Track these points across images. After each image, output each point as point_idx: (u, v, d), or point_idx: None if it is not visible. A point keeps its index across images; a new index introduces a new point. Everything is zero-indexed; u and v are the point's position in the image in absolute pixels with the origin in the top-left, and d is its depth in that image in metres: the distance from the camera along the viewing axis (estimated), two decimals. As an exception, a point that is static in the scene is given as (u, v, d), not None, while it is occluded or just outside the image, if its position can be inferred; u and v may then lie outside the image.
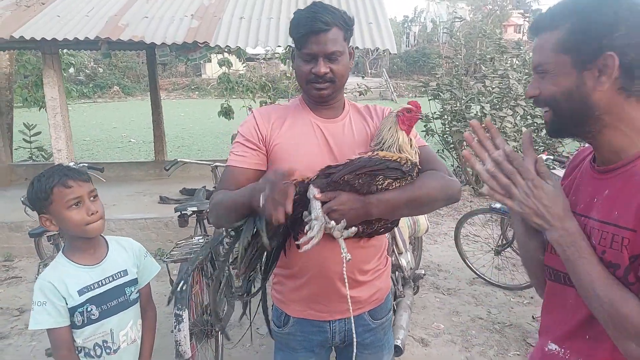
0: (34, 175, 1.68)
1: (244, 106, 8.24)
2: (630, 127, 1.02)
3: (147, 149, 12.13)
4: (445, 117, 7.60)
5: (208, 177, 6.10)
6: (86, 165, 3.23)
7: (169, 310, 2.53)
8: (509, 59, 7.57)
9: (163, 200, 5.64)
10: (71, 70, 20.94)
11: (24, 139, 8.68)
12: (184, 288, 2.42)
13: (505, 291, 4.15)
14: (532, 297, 4.01)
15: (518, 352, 3.24)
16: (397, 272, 3.25)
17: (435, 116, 7.53)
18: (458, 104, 7.52)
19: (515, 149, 6.98)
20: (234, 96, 8.81)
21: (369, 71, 35.76)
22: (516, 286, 4.14)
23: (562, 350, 1.13)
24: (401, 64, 35.20)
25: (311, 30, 1.48)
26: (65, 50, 8.67)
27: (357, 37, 4.55)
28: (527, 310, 3.83)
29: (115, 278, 1.71)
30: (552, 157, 4.00)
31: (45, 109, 4.84)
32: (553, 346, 1.17)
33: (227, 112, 8.20)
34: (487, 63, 7.53)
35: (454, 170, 7.99)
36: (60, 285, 1.58)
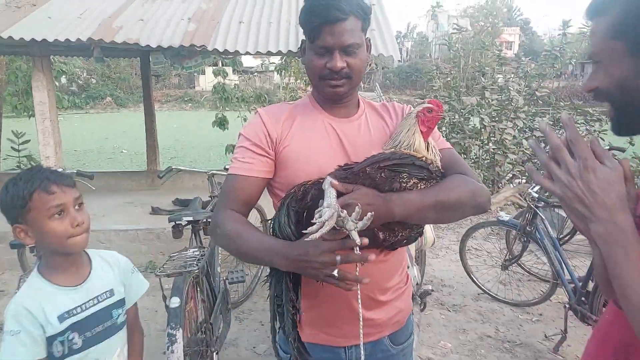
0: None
1: (239, 116, 8.12)
2: None
3: (139, 159, 11.92)
4: (444, 129, 7.51)
5: (202, 187, 5.96)
6: (74, 172, 3.03)
7: (161, 327, 2.33)
8: (509, 72, 7.53)
9: (155, 211, 5.43)
10: (63, 79, 20.74)
11: (12, 147, 8.44)
12: (178, 305, 2.23)
13: (512, 307, 3.97)
14: (540, 314, 3.84)
15: (531, 374, 3.06)
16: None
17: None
18: (457, 116, 7.44)
19: (515, 162, 6.99)
20: (227, 108, 8.67)
21: (362, 85, 35.88)
22: (524, 302, 3.97)
23: None
24: (394, 78, 35.46)
25: (326, 20, 1.31)
26: (57, 57, 8.51)
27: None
28: (537, 327, 3.65)
29: (100, 300, 1.47)
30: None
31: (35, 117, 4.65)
32: None
33: (221, 123, 8.06)
34: (486, 75, 7.47)
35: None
36: (37, 310, 1.33)
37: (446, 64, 8.75)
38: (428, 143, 1.34)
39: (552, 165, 0.87)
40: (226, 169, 3.35)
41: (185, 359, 2.22)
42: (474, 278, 4.26)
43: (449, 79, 7.92)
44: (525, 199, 3.70)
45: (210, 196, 3.46)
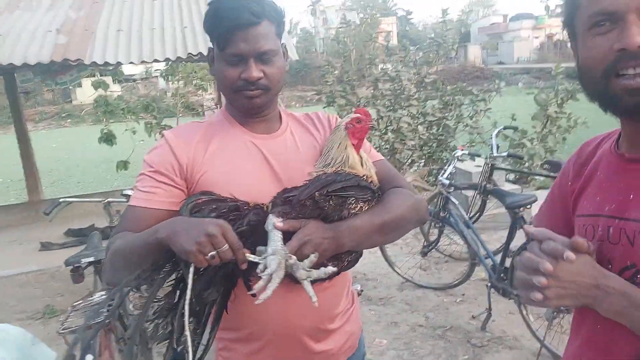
0: None
1: (127, 129, 7.51)
2: None
3: (17, 187, 10.69)
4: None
5: (96, 213, 5.37)
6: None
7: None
8: (396, 61, 7.75)
9: (45, 246, 4.81)
10: None
11: None
12: (90, 362, 1.92)
13: (436, 292, 4.06)
14: (463, 294, 3.96)
15: (466, 356, 3.13)
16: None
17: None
18: (354, 109, 7.53)
19: (413, 148, 7.24)
20: (112, 120, 8.04)
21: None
22: (445, 285, 4.08)
23: None
24: (284, 75, 35.57)
25: (237, 24, 1.16)
26: None
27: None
28: (462, 308, 3.76)
29: None
30: (467, 151, 4.00)
31: None
32: None
33: (108, 138, 7.38)
34: (376, 66, 7.63)
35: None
36: None
37: (336, 58, 8.84)
38: (361, 157, 1.24)
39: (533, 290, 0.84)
40: (123, 195, 3.01)
41: None
42: (395, 268, 4.30)
43: (336, 72, 7.99)
44: (436, 185, 3.79)
45: (109, 227, 3.10)
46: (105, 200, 3.09)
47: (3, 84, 6.79)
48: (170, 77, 9.44)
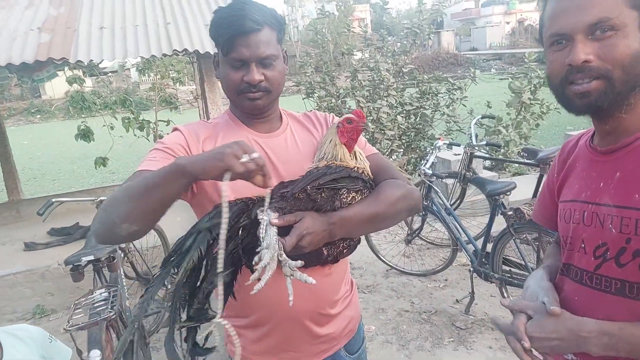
0: None
1: (104, 125, 7.42)
2: None
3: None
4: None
5: (77, 210, 5.38)
6: None
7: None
8: (374, 51, 7.83)
9: (29, 246, 4.79)
10: None
11: None
12: (99, 358, 1.99)
13: (420, 278, 4.22)
14: (446, 280, 4.13)
15: (452, 339, 3.28)
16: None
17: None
18: (334, 100, 7.61)
19: (392, 138, 7.37)
20: (83, 115, 7.91)
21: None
22: (428, 271, 4.23)
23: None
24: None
25: (240, 31, 1.26)
26: None
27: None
28: (446, 293, 3.92)
29: None
30: (447, 142, 4.14)
31: None
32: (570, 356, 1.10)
33: (85, 135, 7.26)
34: (354, 56, 7.70)
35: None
36: None
37: (313, 47, 8.88)
38: (355, 152, 1.34)
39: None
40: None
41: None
42: (380, 256, 4.44)
43: (311, 61, 8.04)
44: (416, 174, 3.91)
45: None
46: (98, 199, 3.12)
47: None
48: (146, 71, 9.33)
